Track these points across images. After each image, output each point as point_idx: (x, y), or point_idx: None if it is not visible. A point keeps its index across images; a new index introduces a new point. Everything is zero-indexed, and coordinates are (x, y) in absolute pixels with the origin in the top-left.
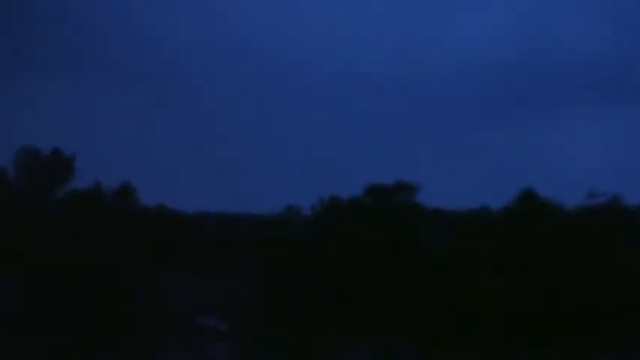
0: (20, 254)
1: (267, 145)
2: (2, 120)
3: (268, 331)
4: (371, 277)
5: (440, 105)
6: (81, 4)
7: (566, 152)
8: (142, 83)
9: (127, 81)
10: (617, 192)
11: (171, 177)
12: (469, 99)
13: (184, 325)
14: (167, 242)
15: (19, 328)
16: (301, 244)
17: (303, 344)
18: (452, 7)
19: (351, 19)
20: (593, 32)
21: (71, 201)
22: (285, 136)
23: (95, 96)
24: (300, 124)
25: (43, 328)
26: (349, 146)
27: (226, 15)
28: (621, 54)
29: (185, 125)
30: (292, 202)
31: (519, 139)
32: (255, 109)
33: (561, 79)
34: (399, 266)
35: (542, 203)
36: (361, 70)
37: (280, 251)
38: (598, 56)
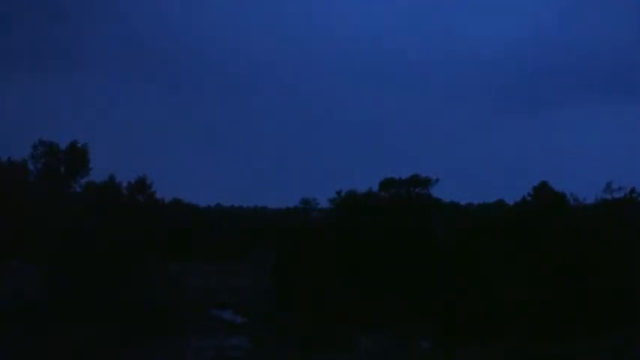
0: (41, 244)
1: (282, 140)
2: (20, 114)
3: (284, 322)
4: (386, 269)
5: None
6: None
7: (583, 146)
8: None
9: (145, 76)
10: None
11: (187, 172)
12: (483, 93)
13: (200, 316)
14: (182, 235)
15: (44, 317)
16: (317, 236)
17: (319, 335)
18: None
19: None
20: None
21: (88, 194)
22: (299, 131)
23: (114, 90)
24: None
25: (62, 315)
26: (366, 140)
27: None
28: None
29: (200, 120)
30: (309, 195)
31: (535, 133)
32: (268, 103)
33: (578, 74)
34: (413, 258)
35: (558, 197)
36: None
37: (296, 244)
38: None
